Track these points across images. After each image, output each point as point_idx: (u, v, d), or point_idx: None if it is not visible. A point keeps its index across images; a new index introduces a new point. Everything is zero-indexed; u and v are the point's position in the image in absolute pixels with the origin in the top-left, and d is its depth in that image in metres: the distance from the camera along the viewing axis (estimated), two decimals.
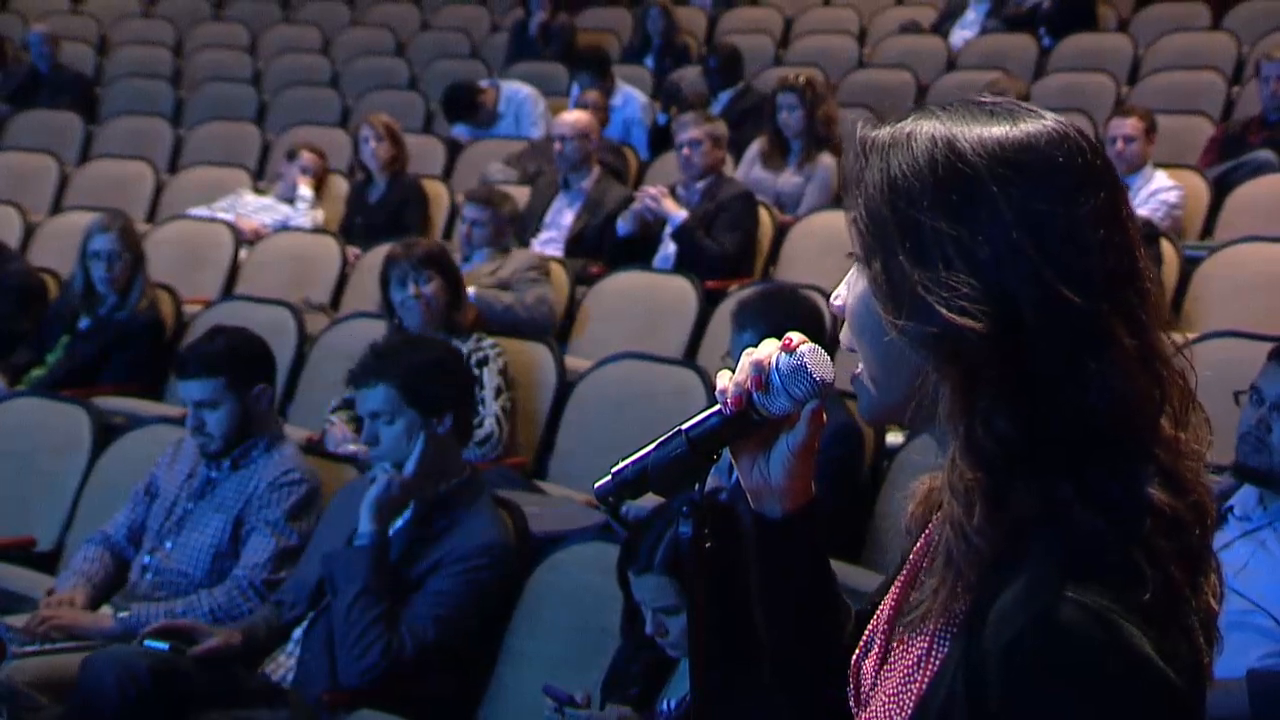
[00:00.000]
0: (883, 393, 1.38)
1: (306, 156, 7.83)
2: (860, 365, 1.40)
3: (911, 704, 1.34)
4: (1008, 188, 1.31)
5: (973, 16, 10.31)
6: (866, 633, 1.47)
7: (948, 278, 1.29)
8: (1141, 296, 1.32)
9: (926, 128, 1.35)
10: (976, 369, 1.29)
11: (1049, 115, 1.36)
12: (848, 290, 1.40)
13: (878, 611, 1.47)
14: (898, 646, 1.40)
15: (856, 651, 1.47)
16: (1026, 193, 1.31)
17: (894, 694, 1.37)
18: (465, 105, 9.09)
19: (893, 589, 1.46)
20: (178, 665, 3.71)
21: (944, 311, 1.28)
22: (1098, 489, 1.27)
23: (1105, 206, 1.33)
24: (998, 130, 1.34)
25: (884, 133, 1.37)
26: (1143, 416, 1.30)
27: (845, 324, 1.41)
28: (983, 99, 1.39)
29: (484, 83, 9.35)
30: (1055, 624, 1.22)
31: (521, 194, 7.38)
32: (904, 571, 1.46)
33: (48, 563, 4.62)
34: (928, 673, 1.34)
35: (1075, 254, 1.30)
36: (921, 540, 1.46)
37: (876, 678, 1.42)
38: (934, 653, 1.34)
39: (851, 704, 1.46)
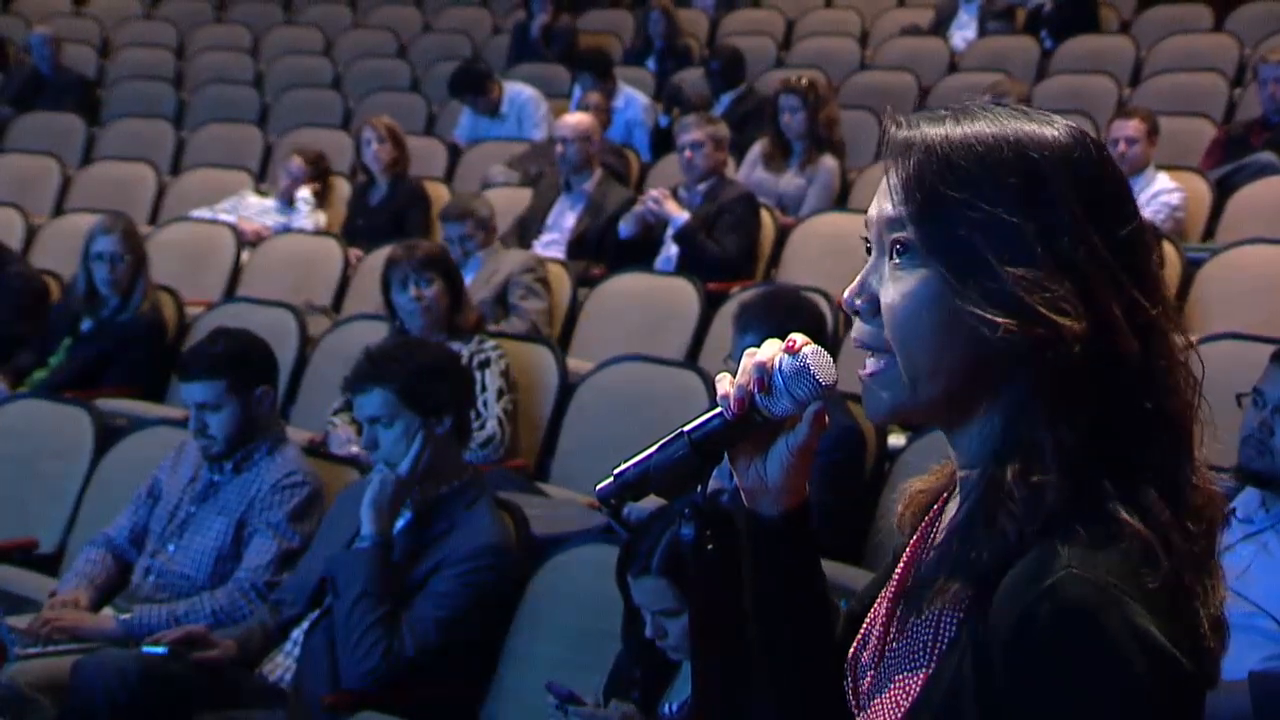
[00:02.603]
0: (916, 390, 1.37)
1: (294, 162, 7.83)
2: (871, 363, 1.39)
3: (918, 690, 1.35)
4: (1078, 188, 1.33)
5: (965, 18, 10.32)
6: (863, 628, 1.49)
7: (1044, 279, 1.30)
8: (1169, 302, 1.37)
9: (977, 127, 1.36)
10: (1067, 368, 1.30)
11: (1068, 121, 1.39)
12: (869, 289, 1.39)
13: (874, 607, 1.48)
14: (899, 640, 1.41)
15: (853, 647, 1.49)
16: (1095, 194, 1.34)
17: (900, 683, 1.38)
18: (472, 84, 9.08)
19: (889, 585, 1.48)
20: (171, 668, 3.71)
21: (1047, 312, 1.30)
22: (1137, 481, 1.30)
23: (1141, 219, 1.37)
24: (1044, 131, 1.36)
25: (933, 130, 1.37)
26: (1190, 416, 1.34)
27: (861, 324, 1.40)
28: (999, 103, 1.40)
29: None
30: (1060, 598, 1.24)
31: (523, 196, 7.39)
32: (899, 569, 1.48)
33: (50, 565, 4.61)
34: (933, 661, 1.35)
35: (1141, 261, 1.34)
36: (917, 536, 1.47)
37: (876, 672, 1.43)
38: (939, 642, 1.35)
39: (849, 698, 1.47)
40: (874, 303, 1.39)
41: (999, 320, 1.31)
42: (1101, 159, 1.37)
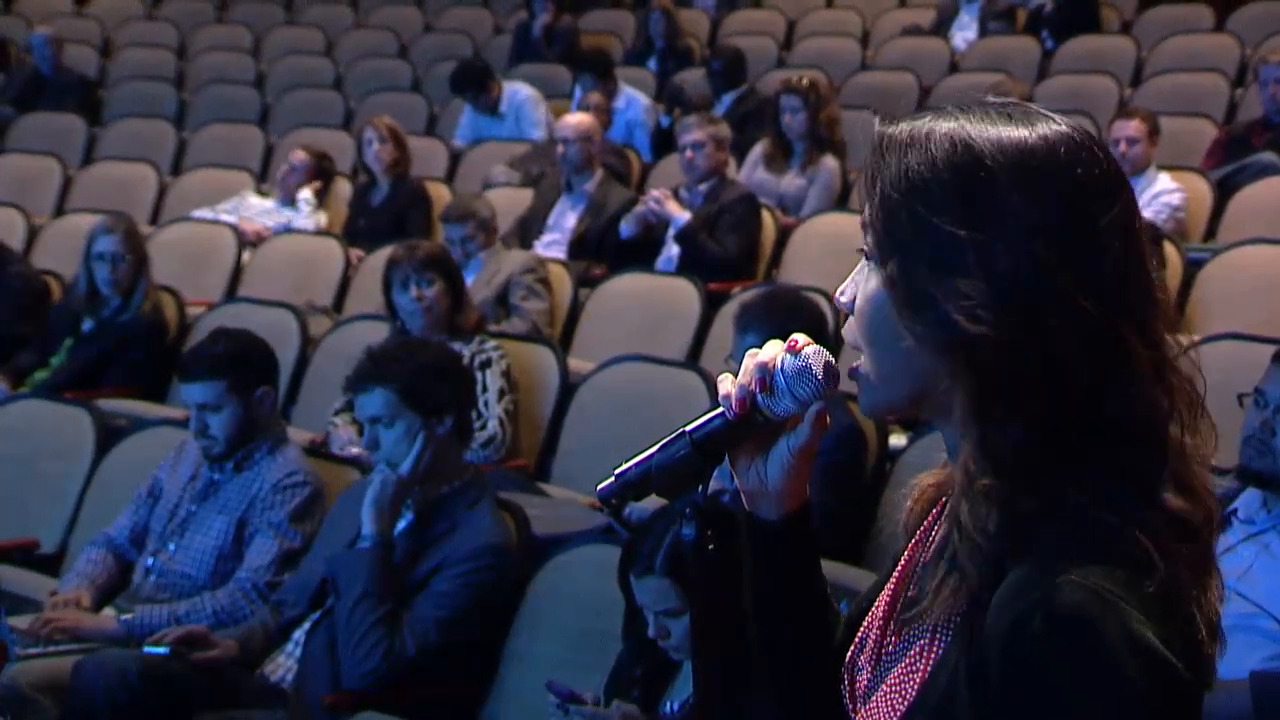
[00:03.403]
0: (886, 390, 1.39)
1: (298, 156, 7.82)
2: (862, 360, 1.41)
3: (913, 692, 1.35)
4: (1027, 195, 1.32)
5: (966, 18, 10.32)
6: (861, 630, 1.48)
7: (963, 284, 1.30)
8: (1155, 306, 1.34)
9: (944, 128, 1.36)
10: (992, 376, 1.30)
11: (1063, 119, 1.37)
12: (855, 287, 1.41)
13: (872, 609, 1.48)
14: (895, 641, 1.41)
15: (850, 649, 1.48)
16: (1046, 202, 1.32)
17: (895, 684, 1.38)
18: (473, 81, 9.09)
19: (888, 586, 1.48)
20: (171, 668, 3.71)
21: (959, 319, 1.30)
22: (1109, 490, 1.28)
23: (1121, 217, 1.34)
24: (1016, 134, 1.34)
25: (902, 130, 1.37)
26: (1155, 425, 1.32)
27: (852, 320, 1.42)
28: (997, 101, 1.40)
29: None
30: (1055, 605, 1.23)
31: (524, 196, 7.39)
32: (898, 570, 1.48)
33: (51, 565, 4.61)
34: (929, 662, 1.35)
35: (1094, 266, 1.31)
36: (917, 537, 1.47)
37: (873, 673, 1.42)
38: (935, 643, 1.35)
39: (846, 701, 1.47)
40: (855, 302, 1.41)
41: (913, 326, 1.32)
42: (1078, 161, 1.34)
